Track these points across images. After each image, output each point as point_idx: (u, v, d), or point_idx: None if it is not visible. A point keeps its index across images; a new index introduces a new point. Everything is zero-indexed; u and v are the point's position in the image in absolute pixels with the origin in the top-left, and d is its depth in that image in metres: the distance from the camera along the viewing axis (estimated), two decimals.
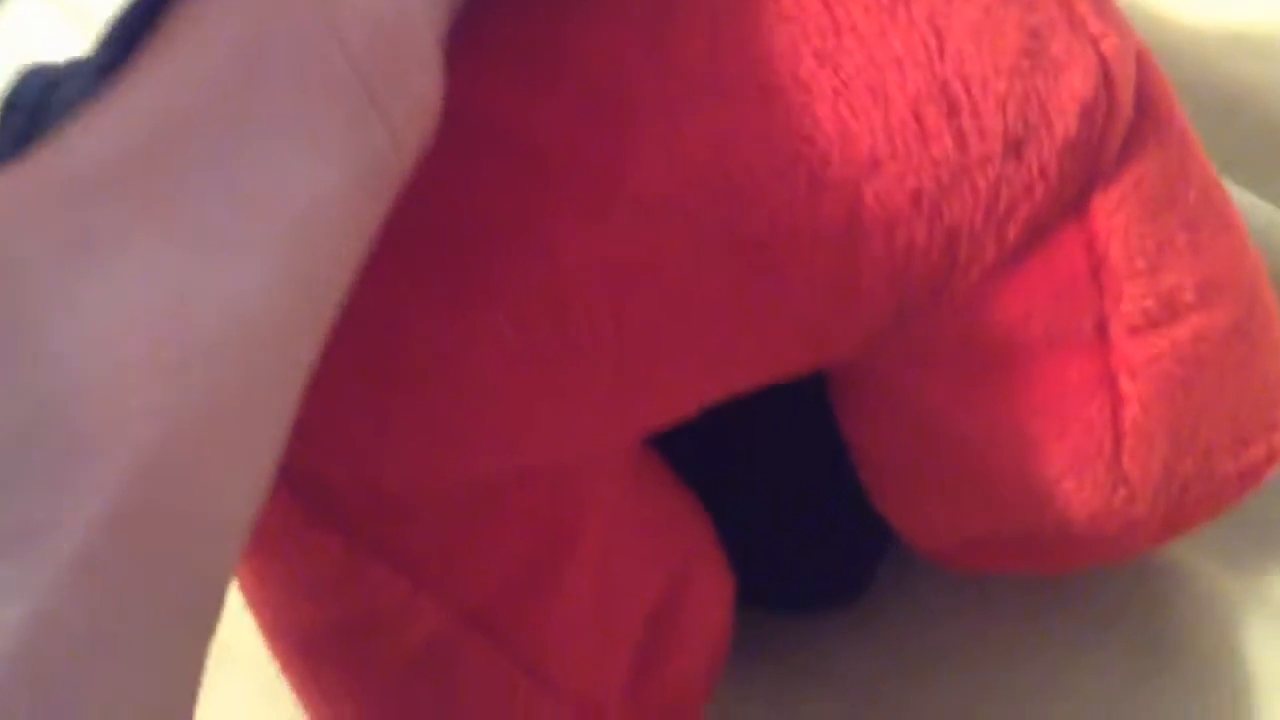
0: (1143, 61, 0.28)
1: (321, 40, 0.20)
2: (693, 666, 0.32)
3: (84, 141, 0.18)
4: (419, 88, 0.21)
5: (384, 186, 0.21)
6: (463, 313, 0.24)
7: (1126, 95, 0.27)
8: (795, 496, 0.37)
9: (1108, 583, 0.36)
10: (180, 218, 0.18)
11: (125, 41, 0.20)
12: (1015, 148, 0.26)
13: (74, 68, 0.26)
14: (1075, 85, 0.26)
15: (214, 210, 0.18)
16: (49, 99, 0.25)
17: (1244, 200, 0.40)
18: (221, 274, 0.18)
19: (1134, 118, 0.27)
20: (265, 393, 0.19)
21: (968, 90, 0.25)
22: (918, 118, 0.25)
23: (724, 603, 0.33)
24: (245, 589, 0.28)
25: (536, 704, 0.28)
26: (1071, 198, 0.27)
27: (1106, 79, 0.26)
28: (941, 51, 0.25)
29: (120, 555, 0.16)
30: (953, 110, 0.25)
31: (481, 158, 0.24)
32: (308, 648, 0.28)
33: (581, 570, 0.28)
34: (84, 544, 0.16)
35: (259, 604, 0.28)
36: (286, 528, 0.26)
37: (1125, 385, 0.28)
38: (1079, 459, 0.29)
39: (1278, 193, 0.42)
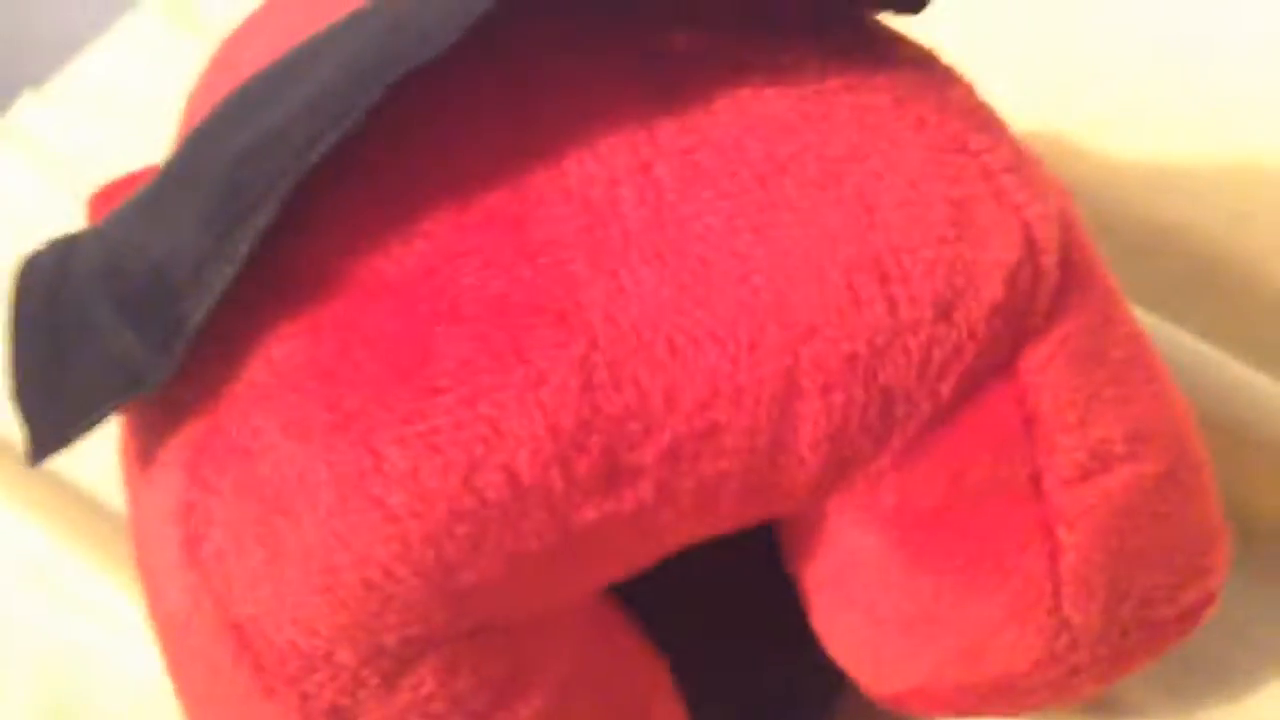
0: (1067, 224, 0.30)
1: None
2: None
3: None
4: None
5: None
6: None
7: (1050, 259, 0.28)
8: (750, 639, 0.37)
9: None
10: None
11: None
12: (945, 311, 0.27)
13: (79, 254, 0.28)
14: (1000, 252, 0.28)
15: None
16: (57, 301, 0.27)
17: (1169, 334, 0.42)
18: None
19: (1060, 280, 0.29)
20: None
21: (898, 260, 0.27)
22: (851, 287, 0.26)
23: None
24: None
25: None
26: (1002, 356, 0.29)
27: (1030, 245, 0.28)
28: (872, 225, 0.27)
29: None
30: (884, 279, 0.27)
31: (423, 314, 0.25)
32: None
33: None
34: None
35: None
36: (246, 688, 0.26)
37: (1062, 534, 0.29)
38: (1020, 606, 0.30)
39: (1199, 330, 0.43)
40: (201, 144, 0.29)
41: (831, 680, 0.38)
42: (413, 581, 0.25)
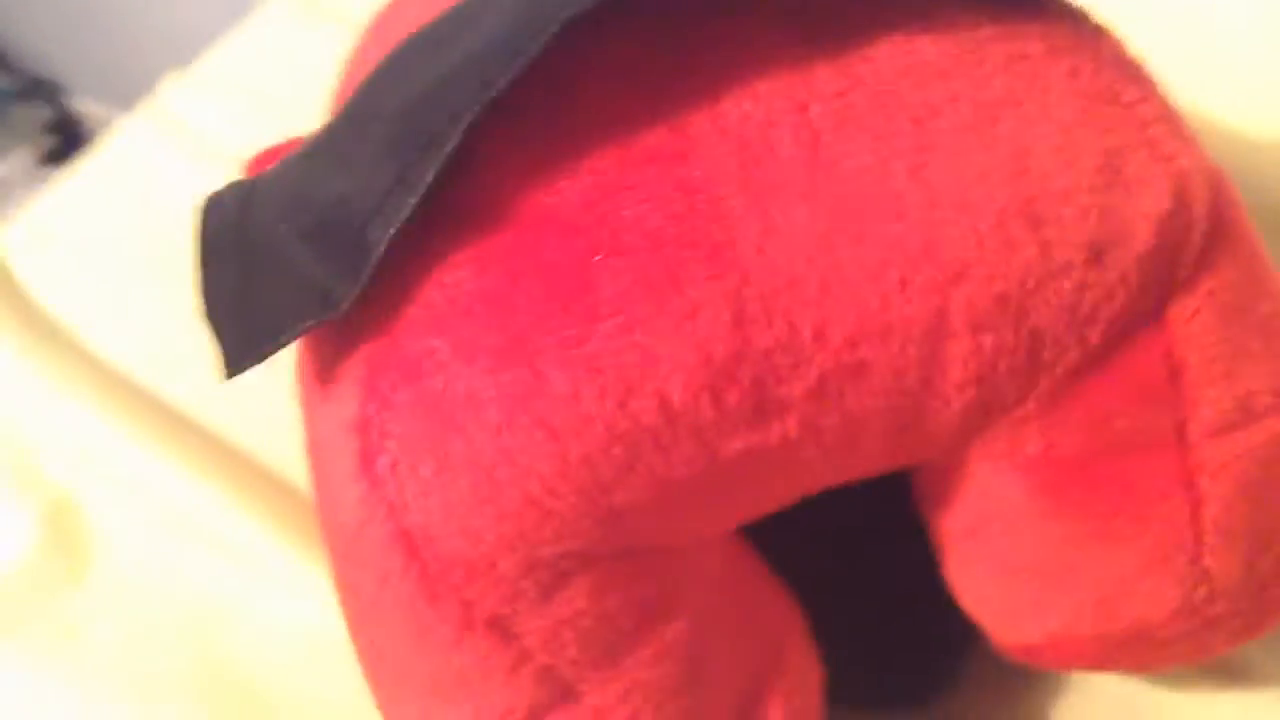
0: (1217, 181, 0.30)
1: None
2: None
3: None
4: None
5: None
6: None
7: (1200, 211, 0.29)
8: (879, 591, 0.38)
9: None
10: None
11: None
12: (1096, 256, 0.28)
13: (261, 194, 0.29)
14: (1151, 201, 0.28)
15: None
16: (244, 235, 0.28)
17: None
18: None
19: (1208, 232, 0.29)
20: None
21: (1051, 205, 0.27)
22: (1003, 229, 0.27)
23: (815, 692, 0.34)
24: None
25: None
26: (1150, 305, 0.29)
27: (1180, 195, 0.28)
28: (1026, 170, 0.27)
29: None
30: (1036, 222, 0.27)
31: (585, 245, 0.27)
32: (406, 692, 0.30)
33: (671, 649, 0.30)
34: None
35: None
36: (412, 594, 0.27)
37: (1205, 485, 0.29)
38: (1160, 555, 0.30)
39: None
40: (375, 91, 0.31)
41: (964, 636, 0.38)
42: (570, 499, 0.27)
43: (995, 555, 0.32)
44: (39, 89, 1.36)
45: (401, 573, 0.27)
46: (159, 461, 0.50)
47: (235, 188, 0.32)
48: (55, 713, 0.44)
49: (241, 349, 0.27)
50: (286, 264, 0.28)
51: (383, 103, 0.29)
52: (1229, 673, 0.38)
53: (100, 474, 0.50)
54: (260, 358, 0.27)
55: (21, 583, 0.48)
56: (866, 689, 0.38)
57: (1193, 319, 0.29)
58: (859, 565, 0.38)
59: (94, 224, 0.61)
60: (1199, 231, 0.29)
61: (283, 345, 0.27)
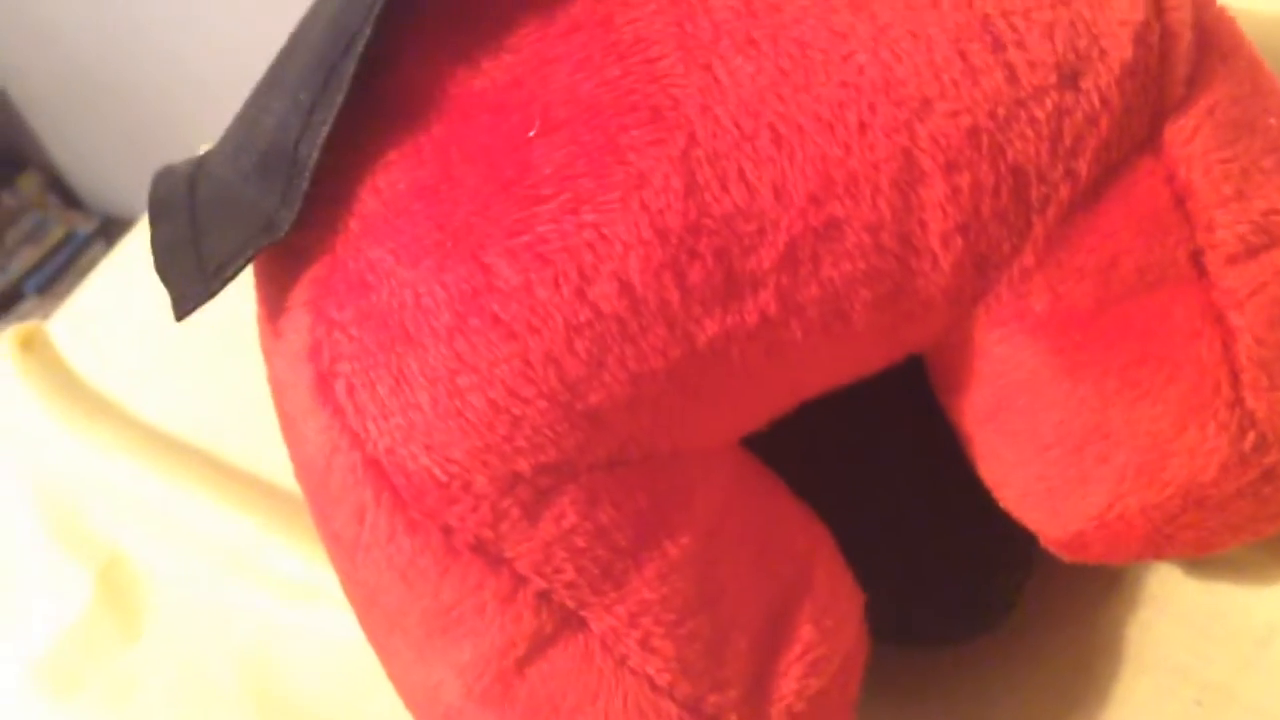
0: None
1: None
2: (823, 685, 0.31)
3: None
4: None
5: None
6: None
7: (1181, 17, 0.26)
8: (928, 517, 0.36)
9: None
10: None
11: None
12: (1070, 78, 0.26)
13: (211, 155, 0.29)
14: (1123, 11, 0.26)
15: None
16: (195, 191, 0.28)
17: None
18: None
19: (1196, 43, 0.27)
20: None
21: (1010, 24, 0.25)
22: (963, 55, 0.25)
23: (853, 618, 0.32)
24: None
25: (644, 706, 0.27)
26: (1142, 129, 0.27)
27: (1155, 3, 0.26)
28: None
29: None
30: (998, 45, 0.25)
31: (516, 123, 0.25)
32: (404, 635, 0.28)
33: (677, 567, 0.28)
34: None
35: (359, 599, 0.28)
36: (389, 525, 0.26)
37: (1233, 318, 0.27)
38: (1197, 403, 0.27)
39: None
40: (298, 30, 0.30)
41: (1014, 563, 0.36)
42: (539, 403, 0.25)
43: (1023, 434, 0.30)
44: (116, 229, 1.40)
45: (375, 504, 0.26)
46: (203, 508, 0.50)
47: (188, 161, 0.32)
48: None
49: (190, 290, 0.26)
50: (233, 204, 0.27)
51: (304, 34, 0.28)
52: None
53: (147, 528, 0.51)
54: (208, 294, 0.26)
55: (79, 643, 0.48)
56: (920, 625, 0.36)
57: (1193, 139, 0.27)
58: (896, 499, 0.36)
59: (130, 302, 0.62)
60: (1185, 42, 0.27)
61: (229, 278, 0.26)
